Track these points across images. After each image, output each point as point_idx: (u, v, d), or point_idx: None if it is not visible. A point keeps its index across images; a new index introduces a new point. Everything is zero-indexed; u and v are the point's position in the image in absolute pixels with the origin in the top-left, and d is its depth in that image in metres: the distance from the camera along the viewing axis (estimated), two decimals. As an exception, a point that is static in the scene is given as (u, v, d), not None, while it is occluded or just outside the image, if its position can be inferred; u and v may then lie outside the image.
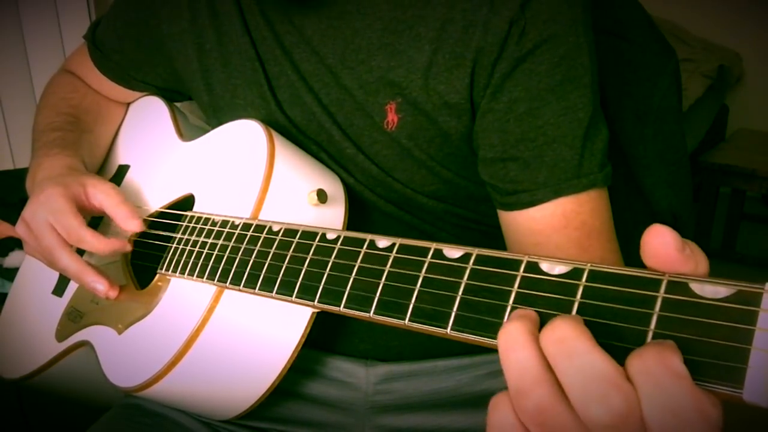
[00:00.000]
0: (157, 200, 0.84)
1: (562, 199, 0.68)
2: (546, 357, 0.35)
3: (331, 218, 0.72)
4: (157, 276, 0.74)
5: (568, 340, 0.35)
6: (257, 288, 0.58)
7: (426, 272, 0.45)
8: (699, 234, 2.65)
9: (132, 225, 0.77)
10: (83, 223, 0.75)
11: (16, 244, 1.35)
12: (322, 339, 0.81)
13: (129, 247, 0.76)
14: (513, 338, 0.36)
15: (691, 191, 0.96)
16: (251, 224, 0.64)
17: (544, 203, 0.68)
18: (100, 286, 0.74)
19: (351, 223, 0.74)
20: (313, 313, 0.68)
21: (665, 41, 0.89)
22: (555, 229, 0.69)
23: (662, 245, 0.35)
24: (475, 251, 0.43)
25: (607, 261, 0.69)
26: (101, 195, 0.78)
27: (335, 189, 0.75)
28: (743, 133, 3.20)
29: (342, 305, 0.50)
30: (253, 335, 0.68)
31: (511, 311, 0.40)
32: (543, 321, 0.38)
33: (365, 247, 0.50)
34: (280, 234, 0.60)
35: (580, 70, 0.66)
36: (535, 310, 0.39)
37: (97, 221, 0.90)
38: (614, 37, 0.84)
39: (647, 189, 0.88)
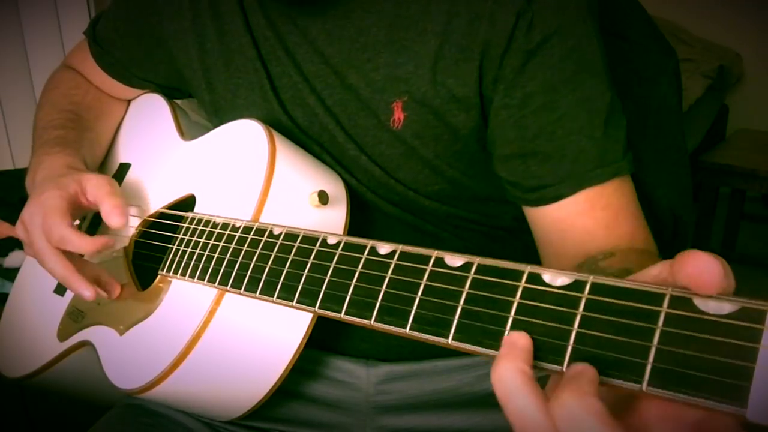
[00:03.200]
0: (158, 200, 0.84)
1: (586, 189, 0.67)
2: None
3: (332, 219, 0.72)
4: (159, 277, 0.74)
5: (577, 417, 0.34)
6: (258, 292, 0.58)
7: (427, 280, 0.45)
8: (699, 234, 2.65)
9: (114, 221, 0.74)
10: (65, 222, 0.73)
11: (16, 244, 1.35)
12: (323, 339, 0.81)
13: (113, 242, 0.74)
14: (508, 386, 0.37)
15: (691, 191, 0.96)
16: (252, 227, 0.64)
17: (569, 197, 0.68)
18: (87, 293, 0.73)
19: (353, 224, 0.74)
20: (313, 315, 0.68)
21: (665, 41, 0.89)
22: (580, 214, 0.68)
23: (715, 277, 0.34)
24: (477, 260, 0.43)
25: (637, 237, 0.68)
26: (93, 187, 0.77)
27: (337, 190, 0.74)
28: (743, 133, 3.19)
29: (343, 312, 0.50)
30: (255, 336, 0.68)
31: (513, 322, 0.40)
32: (544, 333, 0.38)
33: (366, 253, 0.50)
34: (281, 238, 0.59)
35: (591, 58, 0.65)
36: (536, 321, 0.39)
37: (97, 222, 0.90)
38: (614, 37, 0.84)
39: (647, 189, 0.88)
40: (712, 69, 3.26)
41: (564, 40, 0.64)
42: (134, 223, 0.84)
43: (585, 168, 0.67)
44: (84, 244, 0.73)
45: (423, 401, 0.84)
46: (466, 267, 0.43)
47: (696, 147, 3.00)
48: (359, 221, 0.76)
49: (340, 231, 0.72)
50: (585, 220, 0.68)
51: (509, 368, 0.37)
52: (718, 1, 3.54)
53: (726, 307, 0.33)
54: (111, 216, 0.74)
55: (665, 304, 0.35)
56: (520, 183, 0.70)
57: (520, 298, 0.40)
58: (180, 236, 0.73)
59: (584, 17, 0.65)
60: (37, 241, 0.74)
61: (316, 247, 0.55)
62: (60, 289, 0.88)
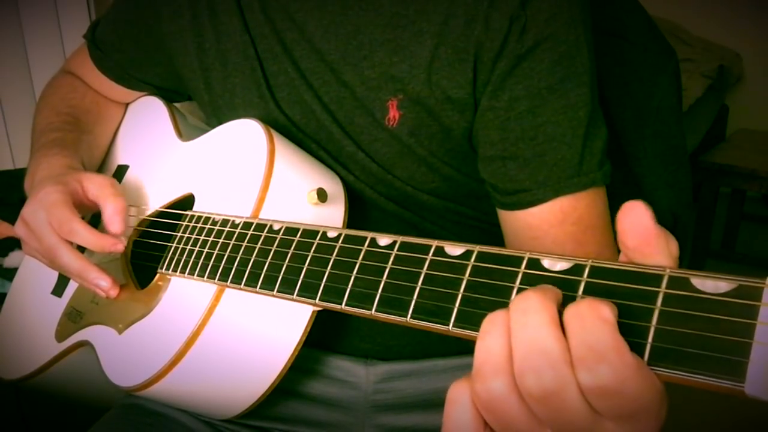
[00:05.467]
0: (156, 200, 0.84)
1: (561, 197, 0.68)
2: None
3: (331, 217, 0.72)
4: (158, 275, 0.74)
5: (529, 312, 0.36)
6: (258, 287, 0.58)
7: (427, 269, 0.45)
8: (699, 234, 2.65)
9: (115, 227, 0.75)
10: (76, 216, 0.74)
11: (15, 244, 1.35)
12: (323, 338, 0.81)
13: (121, 247, 0.75)
14: (494, 326, 0.38)
15: (691, 191, 0.96)
16: (252, 223, 0.64)
17: (544, 203, 0.68)
18: (104, 282, 0.74)
19: (351, 221, 0.74)
20: (314, 312, 0.68)
21: (665, 41, 0.89)
22: (552, 225, 0.69)
23: (642, 218, 0.37)
24: (477, 248, 0.43)
25: (603, 255, 0.70)
26: (95, 187, 0.78)
27: (335, 188, 0.75)
28: (743, 133, 3.19)
29: (343, 303, 0.50)
30: (254, 334, 0.68)
31: None
32: None
33: (366, 245, 0.50)
34: (281, 233, 0.60)
35: (579, 68, 0.66)
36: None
37: (96, 222, 0.90)
38: (614, 37, 0.84)
39: (647, 189, 0.88)
40: (712, 69, 3.26)
41: (555, 46, 0.65)
42: (132, 223, 0.84)
43: (562, 176, 0.68)
44: (95, 239, 0.73)
45: (422, 400, 0.84)
46: (466, 255, 0.44)
47: (696, 147, 3.01)
48: (357, 218, 0.77)
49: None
50: (556, 232, 0.69)
51: (503, 316, 0.38)
52: (718, 1, 3.55)
53: (723, 286, 0.33)
54: (113, 221, 0.75)
55: (663, 284, 0.35)
56: (498, 186, 0.71)
57: (520, 283, 0.40)
58: (179, 234, 0.73)
59: (576, 25, 0.65)
60: (46, 236, 0.74)
61: (316, 241, 0.55)
62: (57, 290, 0.88)
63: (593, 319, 0.34)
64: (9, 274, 1.31)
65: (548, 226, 0.69)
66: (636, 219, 0.37)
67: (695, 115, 3.05)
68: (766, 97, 3.54)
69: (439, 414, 0.83)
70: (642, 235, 0.37)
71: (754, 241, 3.14)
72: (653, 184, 0.88)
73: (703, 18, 3.56)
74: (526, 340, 0.36)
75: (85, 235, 0.73)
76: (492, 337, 0.37)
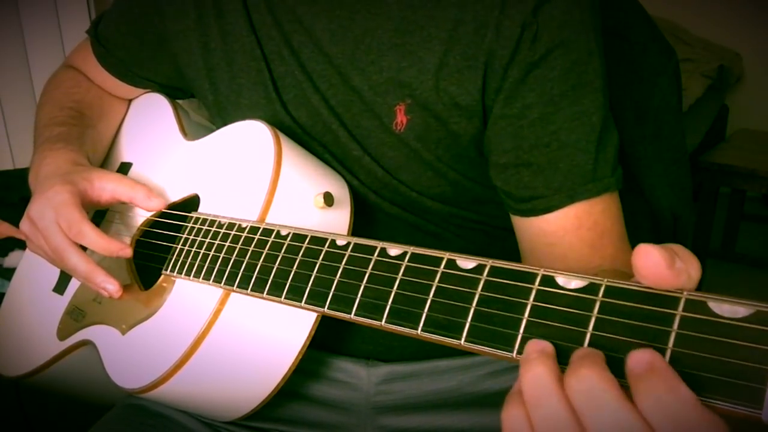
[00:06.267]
0: (160, 199, 0.84)
1: (576, 203, 0.68)
2: (572, 405, 0.36)
3: (337, 221, 0.72)
4: (162, 277, 0.74)
5: (595, 393, 0.35)
6: (265, 292, 0.58)
7: (439, 282, 0.45)
8: (699, 234, 2.65)
9: (154, 203, 0.78)
10: (85, 218, 0.74)
11: (15, 244, 1.34)
12: (324, 339, 0.81)
13: (128, 252, 0.75)
14: (542, 386, 0.37)
15: (691, 191, 0.97)
16: (259, 228, 0.64)
17: (559, 209, 0.68)
18: (111, 286, 0.74)
19: (355, 224, 0.74)
20: (318, 315, 0.68)
21: (665, 41, 0.89)
22: (567, 231, 0.69)
23: (653, 265, 0.36)
24: (489, 262, 0.43)
25: (619, 260, 0.69)
26: (111, 184, 0.78)
27: (341, 192, 0.74)
28: (743, 133, 3.19)
29: (353, 313, 0.49)
30: (259, 338, 0.67)
31: (526, 324, 0.40)
32: (558, 336, 0.38)
33: (376, 254, 0.50)
34: (289, 238, 0.59)
35: (592, 74, 0.66)
36: (550, 324, 0.39)
37: (96, 223, 0.90)
38: (615, 37, 0.84)
39: (647, 189, 0.88)
40: (712, 69, 3.27)
41: (567, 53, 0.65)
42: (135, 222, 0.83)
43: (577, 182, 0.68)
44: (104, 242, 0.74)
45: (423, 401, 0.84)
46: (479, 269, 0.44)
47: (696, 147, 3.01)
48: (361, 222, 0.76)
49: (345, 232, 0.72)
50: (572, 238, 0.69)
51: (544, 371, 0.37)
52: (718, 1, 3.55)
53: (740, 311, 0.33)
54: (149, 200, 0.78)
55: (680, 307, 0.35)
56: (513, 193, 0.71)
57: (534, 300, 0.40)
58: (184, 236, 0.73)
59: (588, 31, 0.65)
60: (53, 236, 0.74)
61: (325, 248, 0.55)
62: (59, 288, 0.88)
63: (680, 409, 0.33)
64: (9, 274, 1.30)
65: (564, 232, 0.69)
66: (651, 263, 0.36)
67: (695, 115, 3.06)
68: (766, 97, 3.54)
69: (440, 415, 0.83)
70: (657, 281, 0.36)
71: (754, 241, 3.14)
72: (653, 184, 0.88)
73: (703, 18, 3.56)
74: (607, 424, 0.35)
75: (94, 238, 0.73)
76: (550, 398, 0.36)
